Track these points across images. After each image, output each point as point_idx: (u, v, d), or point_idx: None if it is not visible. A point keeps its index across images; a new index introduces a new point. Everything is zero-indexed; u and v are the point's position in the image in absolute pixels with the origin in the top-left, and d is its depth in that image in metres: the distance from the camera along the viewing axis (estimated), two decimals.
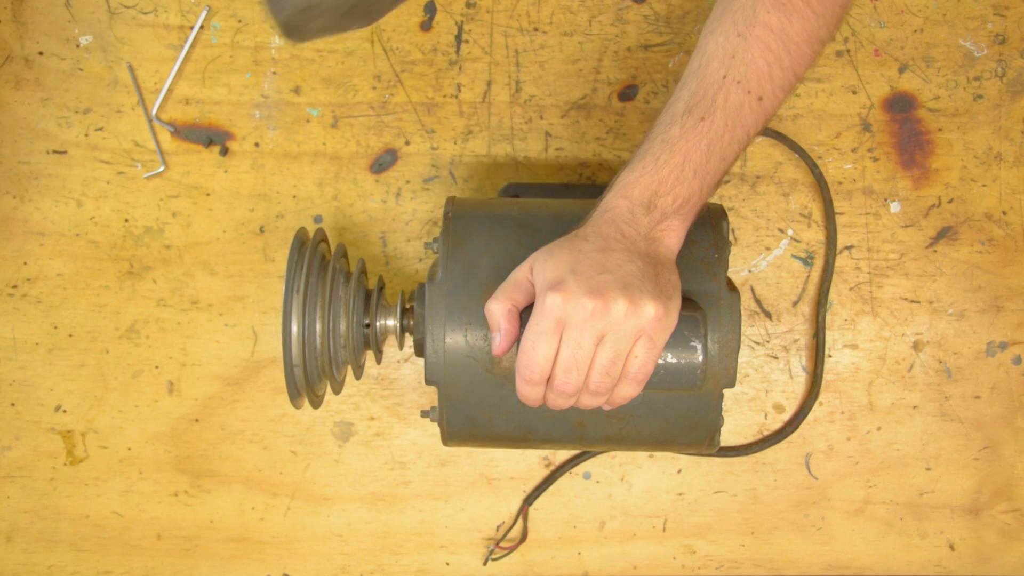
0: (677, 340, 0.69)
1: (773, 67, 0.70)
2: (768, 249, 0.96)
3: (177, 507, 0.97)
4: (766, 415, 0.97)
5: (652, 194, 0.69)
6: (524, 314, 0.68)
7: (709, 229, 0.76)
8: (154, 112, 0.95)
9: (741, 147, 0.72)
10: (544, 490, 0.97)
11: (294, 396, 0.80)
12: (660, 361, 0.69)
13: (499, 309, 0.68)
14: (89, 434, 0.97)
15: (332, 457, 0.97)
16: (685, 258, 0.74)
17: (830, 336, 0.96)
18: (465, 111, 0.95)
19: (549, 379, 0.67)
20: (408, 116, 0.95)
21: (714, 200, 0.89)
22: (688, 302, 0.72)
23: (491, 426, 0.77)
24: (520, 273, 0.69)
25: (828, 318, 0.96)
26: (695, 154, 0.69)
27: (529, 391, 0.68)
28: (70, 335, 0.96)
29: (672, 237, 0.70)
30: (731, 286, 0.75)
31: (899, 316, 0.96)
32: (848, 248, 0.96)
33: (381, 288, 0.85)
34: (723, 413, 0.76)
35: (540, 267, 0.67)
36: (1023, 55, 0.95)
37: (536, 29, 0.95)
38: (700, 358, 0.70)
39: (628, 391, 0.68)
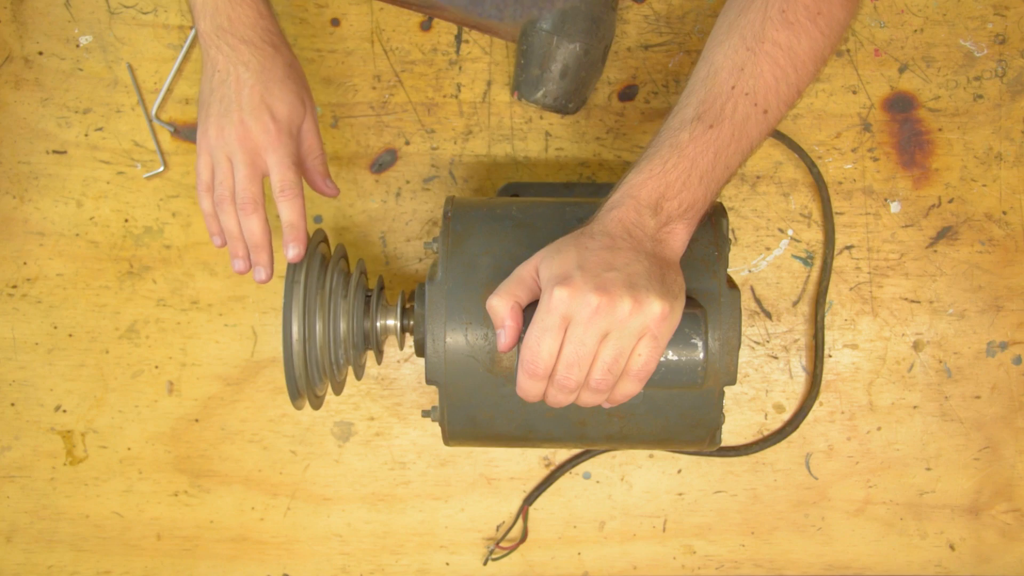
0: (678, 337, 0.69)
1: (780, 82, 0.72)
2: (768, 249, 0.96)
3: (177, 507, 0.97)
4: (766, 415, 0.97)
5: (659, 197, 0.69)
6: (527, 311, 0.68)
7: (709, 227, 0.76)
8: (154, 112, 0.95)
9: (744, 158, 0.73)
10: (544, 490, 0.97)
11: (295, 397, 0.80)
12: (661, 359, 0.69)
13: (502, 305, 0.68)
14: (89, 434, 0.97)
15: (332, 457, 0.97)
16: (685, 256, 0.74)
17: (830, 336, 0.96)
18: (465, 111, 0.95)
19: (551, 374, 0.67)
20: (408, 116, 0.95)
21: None
22: (689, 300, 0.72)
23: (492, 425, 0.77)
24: (524, 270, 0.69)
25: (828, 318, 0.96)
26: (702, 161, 0.70)
27: (531, 386, 0.68)
28: (70, 335, 0.96)
29: (677, 240, 0.70)
30: (731, 283, 0.75)
31: (899, 316, 0.96)
32: (848, 248, 0.96)
33: (381, 288, 0.85)
34: (723, 411, 0.76)
35: (547, 263, 0.67)
36: (1023, 55, 0.95)
37: None
38: (701, 355, 0.70)
39: (629, 388, 0.68)
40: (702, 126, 0.71)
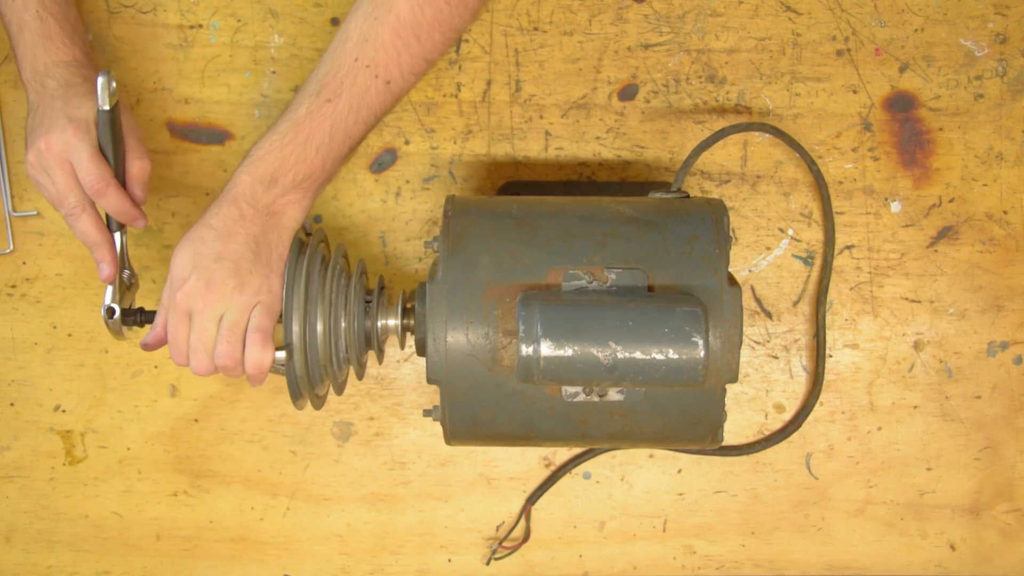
0: (678, 335, 0.69)
1: (402, 53, 0.76)
2: (768, 249, 0.96)
3: (176, 507, 0.97)
4: (766, 415, 0.97)
5: (275, 171, 0.77)
6: None
7: (710, 224, 0.76)
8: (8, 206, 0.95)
9: (368, 127, 0.80)
10: (547, 489, 0.96)
11: (296, 397, 0.80)
12: (661, 357, 0.69)
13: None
14: (88, 434, 0.96)
15: (332, 457, 0.97)
16: (686, 253, 0.74)
17: (831, 336, 0.96)
18: (465, 110, 0.95)
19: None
20: (408, 115, 0.95)
21: (715, 196, 0.89)
22: (689, 298, 0.72)
23: (494, 424, 0.76)
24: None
25: (829, 318, 0.96)
26: (318, 134, 0.77)
27: (183, 364, 0.78)
28: (69, 335, 0.96)
29: (295, 209, 0.79)
30: (732, 281, 0.75)
31: (900, 316, 0.96)
32: (849, 248, 0.96)
33: (382, 288, 0.85)
34: (725, 409, 0.76)
35: (172, 264, 0.77)
36: None
37: (536, 28, 0.95)
38: (702, 353, 0.69)
39: (256, 355, 0.76)
40: (320, 100, 0.77)
